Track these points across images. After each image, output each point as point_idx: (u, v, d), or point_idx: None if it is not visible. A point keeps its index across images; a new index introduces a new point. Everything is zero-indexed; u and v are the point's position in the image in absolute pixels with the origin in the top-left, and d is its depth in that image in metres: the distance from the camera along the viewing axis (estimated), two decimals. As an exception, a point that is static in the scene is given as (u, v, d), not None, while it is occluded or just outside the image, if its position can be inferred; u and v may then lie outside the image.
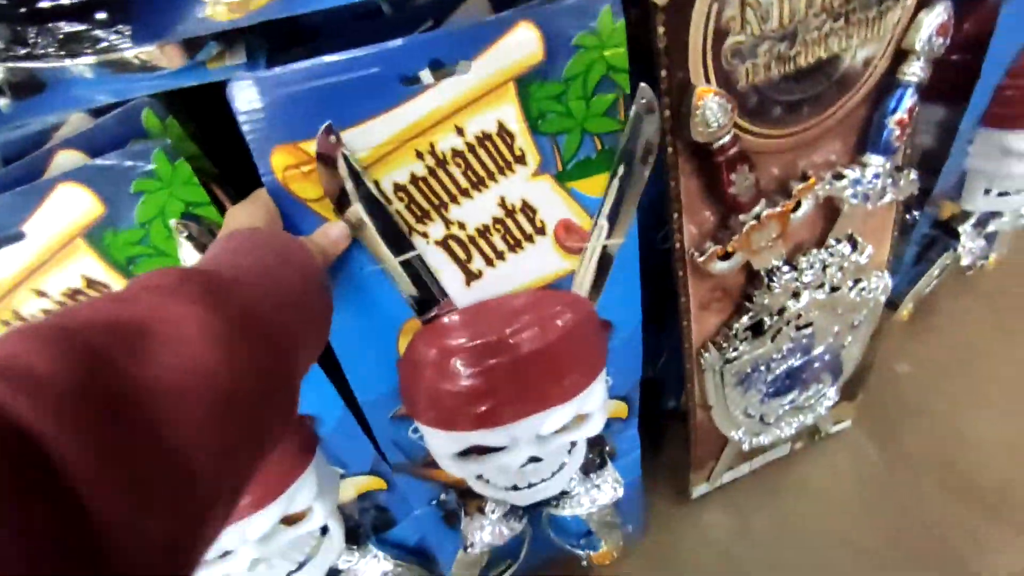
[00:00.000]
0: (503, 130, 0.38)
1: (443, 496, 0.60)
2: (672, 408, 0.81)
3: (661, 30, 0.43)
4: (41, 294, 0.36)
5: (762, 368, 0.66)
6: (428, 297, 0.43)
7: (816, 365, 0.69)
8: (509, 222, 0.41)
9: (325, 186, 0.38)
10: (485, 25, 0.36)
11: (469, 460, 0.52)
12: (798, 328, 0.63)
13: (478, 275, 0.44)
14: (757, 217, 0.53)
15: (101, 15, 0.35)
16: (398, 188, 0.39)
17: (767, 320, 0.61)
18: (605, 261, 0.47)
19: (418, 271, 0.43)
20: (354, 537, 0.62)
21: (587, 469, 0.59)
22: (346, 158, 0.37)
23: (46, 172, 0.36)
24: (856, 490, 0.80)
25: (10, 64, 0.34)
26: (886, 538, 0.73)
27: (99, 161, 0.35)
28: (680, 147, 0.48)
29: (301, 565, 0.57)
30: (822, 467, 0.82)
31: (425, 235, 0.42)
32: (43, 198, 0.34)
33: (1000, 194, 0.77)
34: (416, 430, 0.53)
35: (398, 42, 0.35)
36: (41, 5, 0.33)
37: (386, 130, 0.37)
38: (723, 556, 0.75)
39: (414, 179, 0.39)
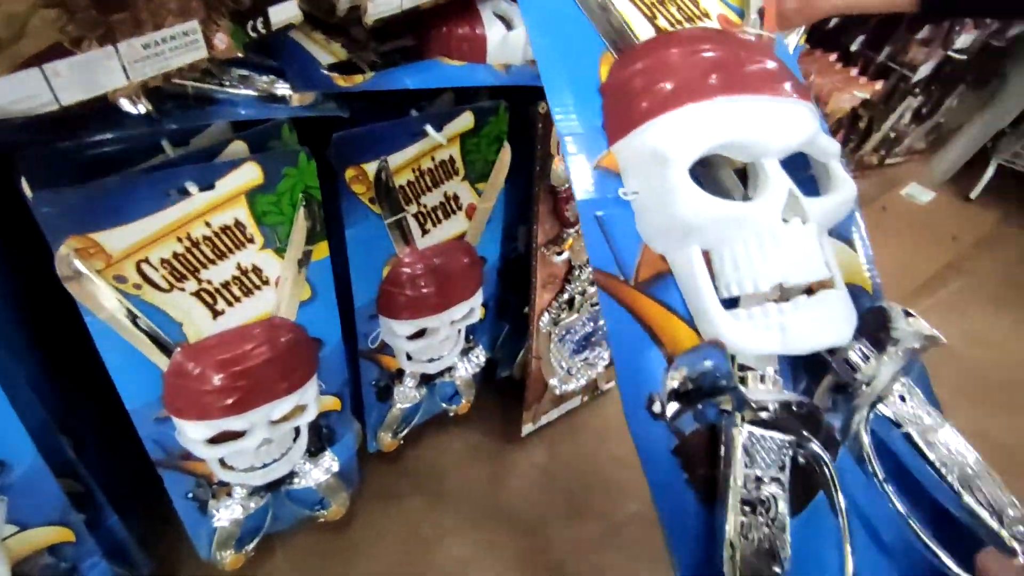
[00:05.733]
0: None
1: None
2: (504, 376, 1.14)
3: (540, 125, 0.79)
4: (207, 224, 0.54)
5: (572, 331, 1.03)
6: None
7: (600, 333, 1.09)
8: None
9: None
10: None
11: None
12: (592, 304, 1.02)
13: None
14: (577, 231, 0.91)
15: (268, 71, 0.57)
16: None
17: (577, 298, 0.99)
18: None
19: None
20: (312, 450, 0.76)
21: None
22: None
23: (222, 153, 0.54)
24: (618, 426, 1.20)
25: (198, 84, 0.54)
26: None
27: (271, 152, 0.55)
28: (542, 188, 0.84)
29: (281, 456, 0.71)
30: (599, 413, 1.20)
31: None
32: (235, 168, 0.53)
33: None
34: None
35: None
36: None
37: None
38: (541, 470, 1.07)
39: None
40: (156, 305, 0.54)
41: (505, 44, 0.68)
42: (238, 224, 0.55)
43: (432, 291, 0.75)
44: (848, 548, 0.39)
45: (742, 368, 0.43)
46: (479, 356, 0.91)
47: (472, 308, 0.81)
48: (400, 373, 0.86)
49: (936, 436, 0.44)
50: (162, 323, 0.55)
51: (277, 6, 0.45)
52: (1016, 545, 0.41)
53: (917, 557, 0.43)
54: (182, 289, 0.55)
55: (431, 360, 0.84)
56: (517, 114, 0.71)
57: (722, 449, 0.41)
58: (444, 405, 0.98)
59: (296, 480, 0.76)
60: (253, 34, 0.44)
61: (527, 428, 1.04)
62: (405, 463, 1.02)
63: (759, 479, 0.39)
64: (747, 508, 0.39)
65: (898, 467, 0.46)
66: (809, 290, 0.45)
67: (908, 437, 0.45)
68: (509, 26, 0.68)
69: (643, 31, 0.48)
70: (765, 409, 0.40)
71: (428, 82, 0.62)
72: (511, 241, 0.90)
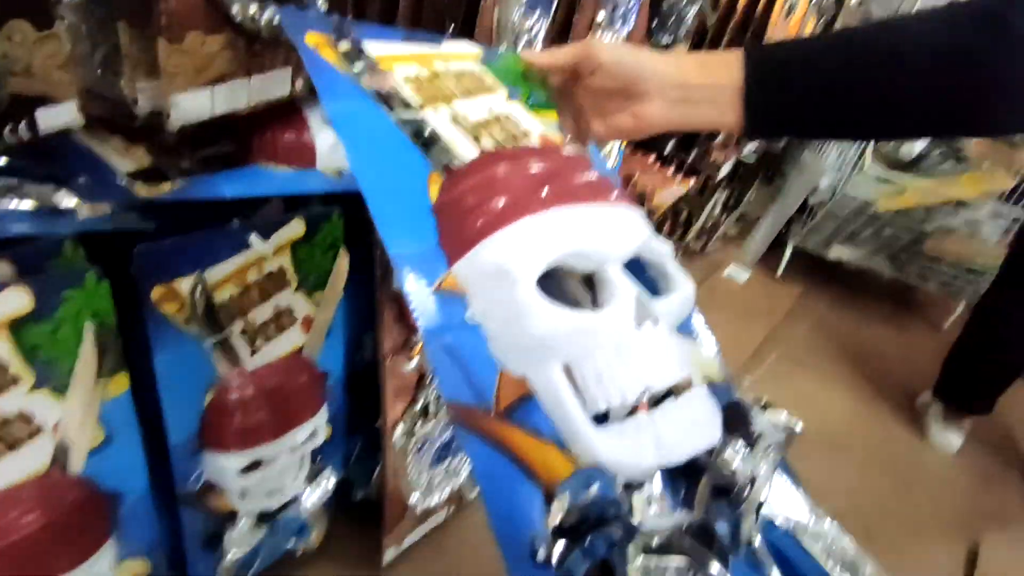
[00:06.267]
0: None
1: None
2: (361, 499, 1.03)
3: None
4: None
5: (430, 441, 0.96)
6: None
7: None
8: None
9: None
10: None
11: None
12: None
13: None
14: (425, 336, 0.87)
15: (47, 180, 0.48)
16: None
17: (432, 405, 0.93)
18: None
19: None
20: None
21: None
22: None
23: None
24: (488, 539, 1.13)
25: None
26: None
27: (45, 275, 0.46)
28: (385, 294, 0.80)
29: None
30: (467, 524, 1.11)
31: None
32: None
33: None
34: None
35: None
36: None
37: None
38: (410, 603, 0.96)
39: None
40: None
41: (336, 150, 0.65)
42: (-3, 364, 0.45)
43: (266, 416, 0.66)
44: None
45: (627, 487, 0.41)
46: (328, 481, 0.82)
47: (315, 429, 0.73)
48: (232, 515, 0.74)
49: (812, 528, 0.44)
50: None
51: (48, 109, 0.38)
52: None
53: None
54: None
55: (270, 494, 0.73)
56: (353, 218, 0.68)
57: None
58: (291, 542, 0.85)
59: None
60: (12, 139, 0.37)
61: (390, 554, 0.94)
62: (247, 622, 0.86)
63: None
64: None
65: (786, 562, 0.45)
66: (670, 393, 0.44)
67: (789, 534, 0.45)
68: (341, 132, 0.66)
69: (468, 152, 0.47)
70: (656, 535, 0.38)
71: (251, 190, 0.58)
72: (356, 351, 0.84)
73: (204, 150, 0.60)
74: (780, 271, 2.07)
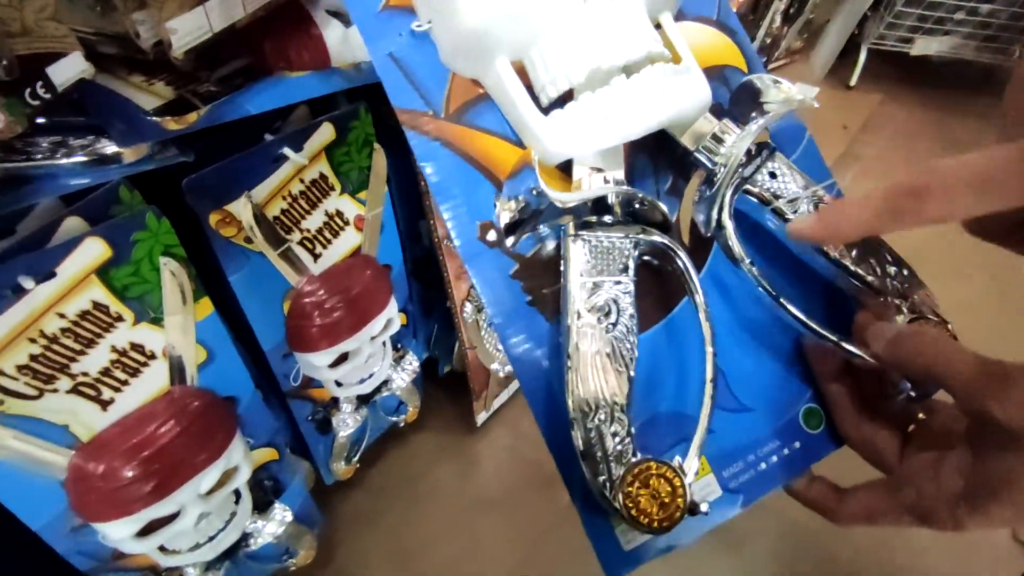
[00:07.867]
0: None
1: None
2: (447, 372, 1.12)
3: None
4: (61, 316, 0.49)
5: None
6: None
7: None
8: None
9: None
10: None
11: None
12: (511, 283, 1.00)
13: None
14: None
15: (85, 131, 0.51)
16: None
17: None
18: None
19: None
20: (259, 505, 0.76)
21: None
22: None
23: (55, 234, 0.48)
24: None
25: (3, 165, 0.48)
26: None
27: (113, 220, 0.49)
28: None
29: (226, 524, 0.70)
30: None
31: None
32: (75, 248, 0.47)
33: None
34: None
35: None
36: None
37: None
38: (505, 451, 1.07)
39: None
40: (28, 415, 0.49)
41: (347, 42, 0.63)
42: (98, 306, 0.50)
43: (342, 314, 0.72)
44: (709, 348, 0.38)
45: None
46: (412, 363, 0.89)
47: (389, 319, 0.78)
48: (335, 401, 0.83)
49: (807, 205, 0.42)
50: (42, 432, 0.50)
51: (58, 64, 0.39)
52: (897, 301, 0.41)
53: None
54: (55, 390, 0.50)
55: (362, 381, 0.81)
56: (381, 112, 0.67)
57: (562, 264, 0.39)
58: (392, 418, 0.96)
59: (252, 541, 0.72)
60: (36, 102, 0.39)
61: (482, 416, 1.03)
62: (373, 482, 1.00)
63: (596, 285, 0.37)
64: (583, 317, 0.37)
65: (777, 249, 0.45)
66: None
67: (778, 213, 0.42)
68: (347, 23, 0.64)
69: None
70: (602, 212, 0.39)
71: (273, 102, 0.58)
72: (415, 240, 0.87)
73: (220, 70, 0.60)
74: (854, 79, 1.87)
